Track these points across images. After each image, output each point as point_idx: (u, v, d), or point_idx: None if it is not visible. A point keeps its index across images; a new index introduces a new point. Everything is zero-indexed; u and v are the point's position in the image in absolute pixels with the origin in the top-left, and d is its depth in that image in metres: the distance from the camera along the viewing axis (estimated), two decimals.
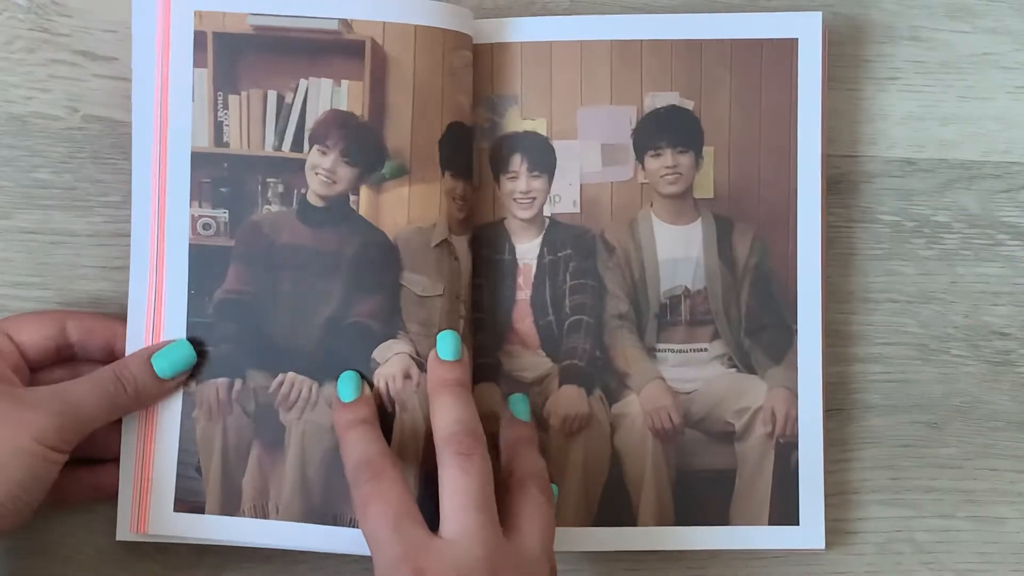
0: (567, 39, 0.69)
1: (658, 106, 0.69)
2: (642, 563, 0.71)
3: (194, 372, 0.66)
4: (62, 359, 0.67)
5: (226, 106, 0.67)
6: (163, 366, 0.65)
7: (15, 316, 0.67)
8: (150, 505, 0.66)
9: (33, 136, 0.70)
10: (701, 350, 0.69)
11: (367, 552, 0.61)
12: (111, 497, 0.67)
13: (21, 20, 0.70)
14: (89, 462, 0.67)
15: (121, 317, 0.68)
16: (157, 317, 0.66)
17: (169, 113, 0.66)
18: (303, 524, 0.66)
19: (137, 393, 0.64)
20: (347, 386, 0.65)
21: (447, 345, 0.65)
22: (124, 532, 0.67)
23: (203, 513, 0.66)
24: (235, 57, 0.67)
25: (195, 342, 0.66)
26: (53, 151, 0.70)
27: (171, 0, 0.66)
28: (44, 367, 0.66)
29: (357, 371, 0.66)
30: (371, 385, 0.66)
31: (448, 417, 0.62)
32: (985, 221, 0.72)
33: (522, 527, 0.61)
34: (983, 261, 0.72)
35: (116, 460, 0.67)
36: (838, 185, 0.72)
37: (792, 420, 0.68)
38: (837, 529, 0.71)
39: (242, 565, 0.70)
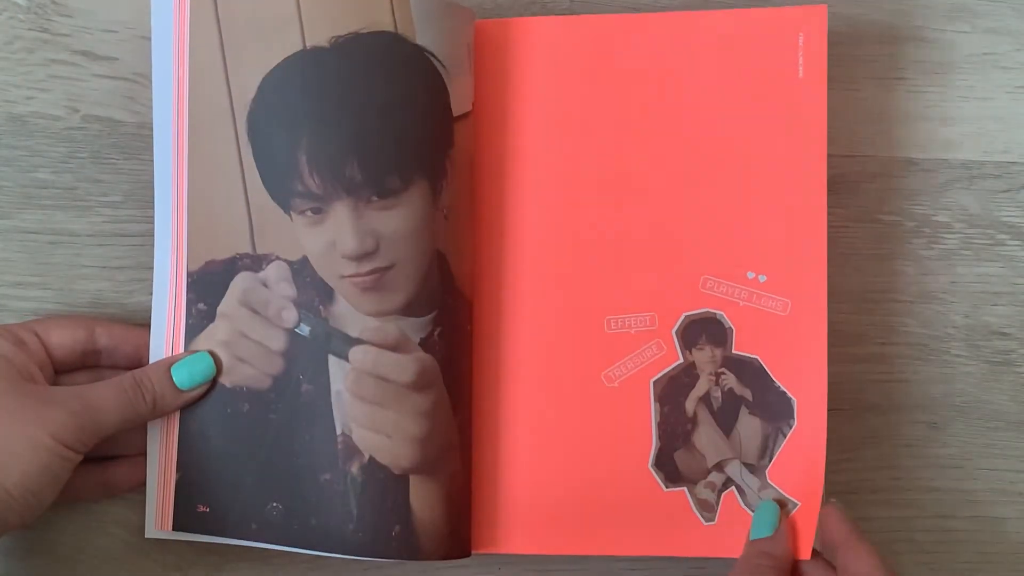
0: (566, 38, 0.69)
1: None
2: (641, 562, 0.71)
3: (213, 383, 0.66)
4: (87, 365, 0.67)
5: None
6: (183, 377, 0.65)
7: (46, 317, 0.67)
8: (175, 503, 0.66)
9: (33, 136, 0.70)
10: None
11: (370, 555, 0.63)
12: (121, 494, 0.68)
13: (21, 20, 0.70)
14: (100, 459, 0.67)
15: (132, 321, 0.68)
16: (177, 325, 0.66)
17: (187, 114, 0.66)
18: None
19: (155, 402, 0.64)
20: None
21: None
22: (151, 529, 0.66)
23: None
24: None
25: (215, 355, 0.66)
26: (53, 151, 0.70)
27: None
28: (69, 370, 0.66)
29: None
30: None
31: None
32: (985, 221, 0.72)
33: None
34: (983, 261, 0.72)
35: (127, 457, 0.67)
36: (838, 185, 0.72)
37: None
38: None
39: (241, 564, 0.70)
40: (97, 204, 0.70)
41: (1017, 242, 0.72)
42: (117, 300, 0.70)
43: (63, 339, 0.65)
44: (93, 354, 0.66)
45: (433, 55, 0.66)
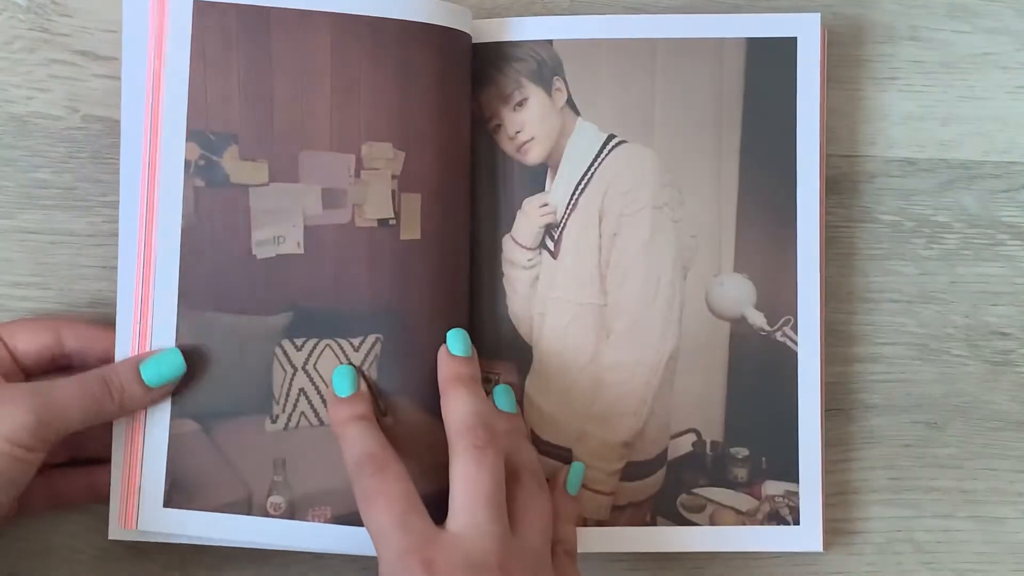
0: (567, 38, 0.69)
1: None
2: (641, 563, 0.71)
3: (184, 382, 0.65)
4: (59, 366, 0.66)
5: None
6: (151, 375, 0.64)
7: (12, 321, 0.66)
8: (140, 501, 0.66)
9: (33, 136, 0.70)
10: None
11: (354, 551, 0.64)
12: (108, 498, 0.67)
13: (21, 20, 0.70)
14: (85, 462, 0.67)
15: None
16: (144, 324, 0.66)
17: (163, 107, 0.66)
18: (296, 522, 0.66)
19: (123, 400, 0.63)
20: (344, 381, 0.65)
21: (458, 341, 0.65)
22: (115, 530, 0.66)
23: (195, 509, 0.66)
24: None
25: (185, 351, 0.65)
26: (53, 151, 0.70)
27: None
28: (39, 373, 0.65)
29: (352, 365, 0.66)
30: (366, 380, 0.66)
31: (462, 410, 0.62)
32: (985, 221, 0.72)
33: (522, 520, 0.62)
34: (983, 261, 0.72)
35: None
36: (838, 185, 0.72)
37: None
38: (837, 529, 0.71)
39: (242, 565, 0.70)
40: (97, 204, 0.70)
41: (1017, 242, 0.72)
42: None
43: (29, 344, 0.65)
44: (63, 356, 0.66)
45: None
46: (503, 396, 0.67)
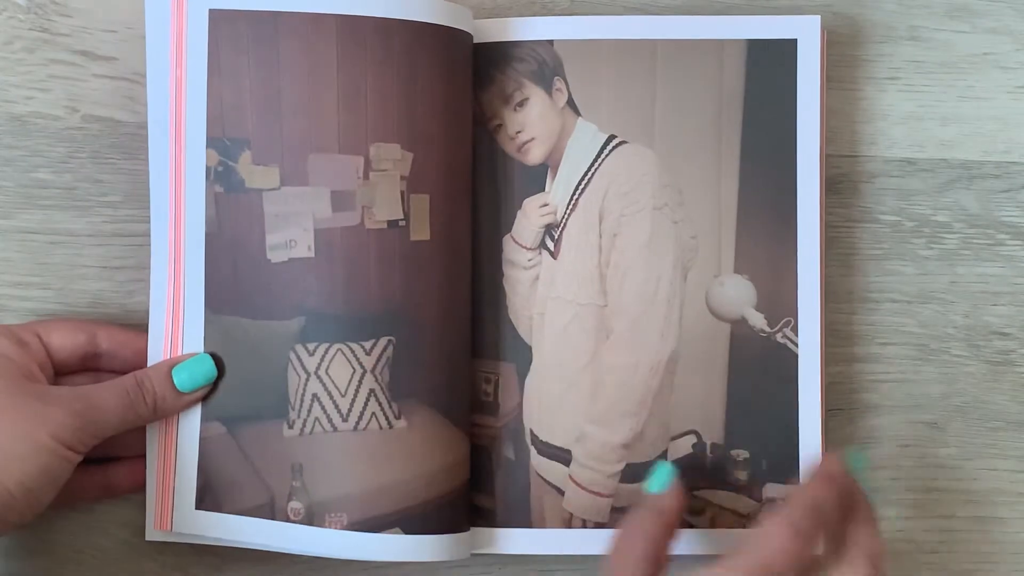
0: (567, 38, 0.69)
1: None
2: None
3: (213, 387, 0.66)
4: (88, 367, 0.67)
5: None
6: (183, 379, 0.65)
7: (48, 319, 0.67)
8: (175, 503, 0.66)
9: (33, 136, 0.70)
10: None
11: (370, 558, 0.65)
12: (122, 495, 0.68)
13: (21, 20, 0.70)
14: (100, 460, 0.67)
15: (133, 321, 0.69)
16: (176, 328, 0.66)
17: (185, 114, 0.66)
18: (315, 528, 0.66)
19: (156, 404, 0.64)
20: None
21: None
22: (151, 531, 0.67)
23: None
24: None
25: (215, 357, 0.66)
26: (53, 151, 0.70)
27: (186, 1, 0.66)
28: (69, 372, 0.66)
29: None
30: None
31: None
32: (985, 221, 0.72)
33: None
34: (983, 261, 0.72)
35: (128, 459, 0.67)
36: (838, 185, 0.72)
37: None
38: None
39: (241, 565, 0.70)
40: (97, 204, 0.70)
41: (1017, 242, 0.72)
42: (117, 300, 0.70)
43: (64, 341, 0.65)
44: (94, 357, 0.66)
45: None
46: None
